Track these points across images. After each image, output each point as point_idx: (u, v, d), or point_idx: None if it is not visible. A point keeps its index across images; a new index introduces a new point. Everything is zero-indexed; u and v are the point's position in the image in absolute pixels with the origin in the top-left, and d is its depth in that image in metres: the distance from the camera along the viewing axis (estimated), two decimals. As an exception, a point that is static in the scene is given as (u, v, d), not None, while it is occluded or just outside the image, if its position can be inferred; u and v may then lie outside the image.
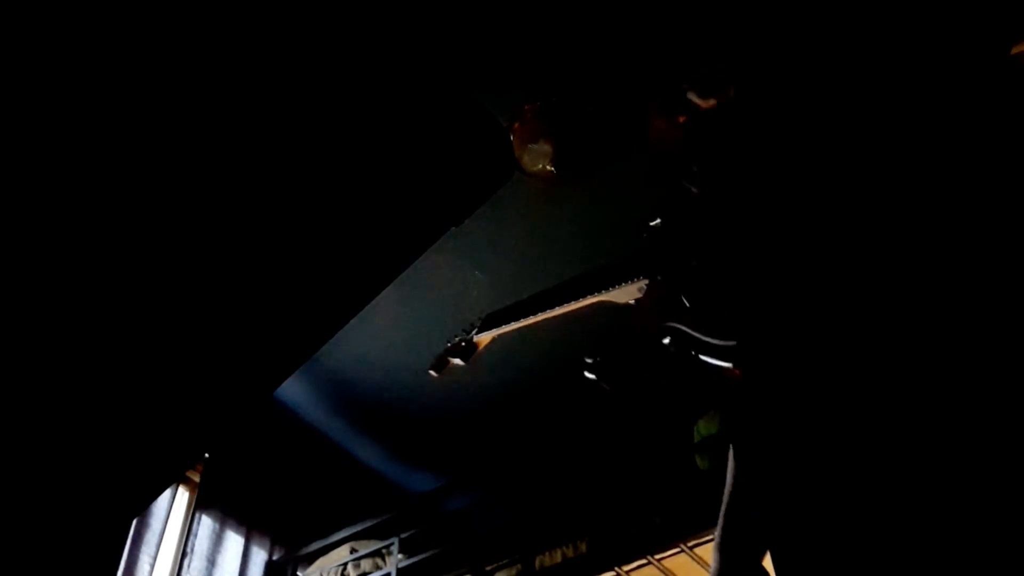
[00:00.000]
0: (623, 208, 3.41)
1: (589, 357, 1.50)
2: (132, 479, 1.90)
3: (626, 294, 1.49)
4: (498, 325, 1.78)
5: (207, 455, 4.84)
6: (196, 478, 4.93)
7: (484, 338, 1.82)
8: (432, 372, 1.90)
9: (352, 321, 2.41)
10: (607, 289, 1.53)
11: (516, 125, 1.96)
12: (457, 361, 1.83)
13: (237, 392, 2.06)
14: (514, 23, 2.89)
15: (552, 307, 1.67)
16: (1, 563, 1.57)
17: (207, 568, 4.78)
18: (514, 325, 1.73)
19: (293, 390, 4.82)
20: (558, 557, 4.04)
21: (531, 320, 1.69)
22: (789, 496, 1.05)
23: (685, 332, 1.19)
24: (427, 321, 4.35)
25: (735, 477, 1.20)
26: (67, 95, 1.59)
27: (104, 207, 1.66)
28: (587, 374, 1.53)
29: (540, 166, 1.98)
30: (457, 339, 1.87)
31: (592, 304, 1.60)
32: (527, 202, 3.68)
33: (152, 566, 4.40)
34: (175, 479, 4.42)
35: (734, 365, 1.11)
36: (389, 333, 4.44)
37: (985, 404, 0.99)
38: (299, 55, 1.81)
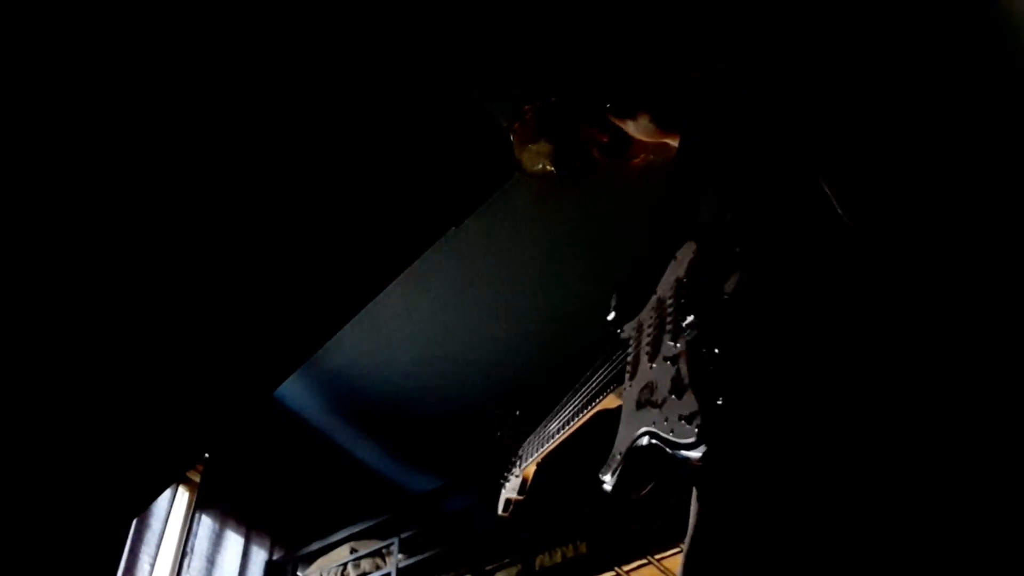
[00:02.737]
0: (623, 208, 3.41)
1: (499, 410, 1.54)
2: (132, 479, 1.90)
3: (616, 399, 1.51)
4: (531, 453, 1.87)
5: (207, 455, 4.85)
6: (196, 478, 4.93)
7: (529, 470, 1.92)
8: (502, 514, 1.98)
9: (352, 321, 2.42)
10: (600, 399, 1.56)
11: (516, 125, 1.96)
12: (518, 497, 1.93)
13: (237, 392, 2.06)
14: (514, 23, 2.89)
15: (566, 427, 1.73)
16: (2, 563, 1.58)
17: (207, 568, 4.78)
18: (544, 451, 1.81)
19: (293, 390, 4.82)
20: (558, 557, 4.04)
21: (555, 443, 1.77)
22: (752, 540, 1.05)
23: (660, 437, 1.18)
24: (427, 321, 4.35)
25: (697, 519, 1.19)
26: (68, 96, 1.59)
27: (105, 209, 1.67)
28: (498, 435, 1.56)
29: (540, 166, 1.97)
30: (508, 474, 1.96)
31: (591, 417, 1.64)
32: (527, 202, 3.68)
33: (152, 566, 4.40)
34: (175, 479, 4.42)
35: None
36: (389, 333, 4.44)
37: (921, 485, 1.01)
38: (301, 57, 1.81)
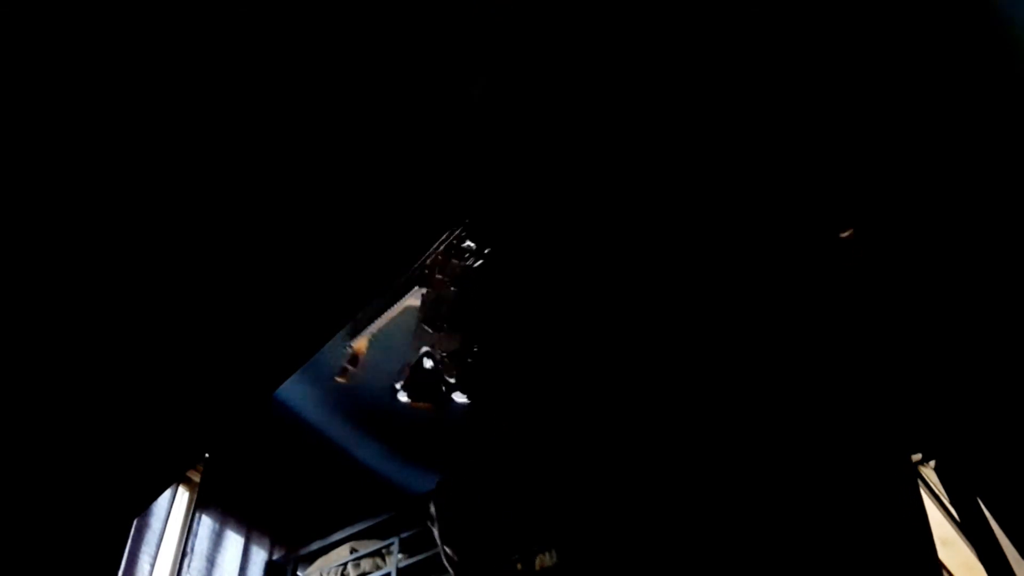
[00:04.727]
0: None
1: (396, 383, 1.60)
2: (132, 479, 1.90)
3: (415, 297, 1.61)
4: (358, 332, 1.94)
5: (207, 455, 4.85)
6: (196, 478, 4.93)
7: (361, 344, 1.96)
8: (339, 379, 2.03)
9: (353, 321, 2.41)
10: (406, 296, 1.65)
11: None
12: (352, 368, 1.97)
13: (237, 393, 2.07)
14: (515, 23, 2.89)
15: (384, 310, 1.82)
16: (3, 563, 1.58)
17: (207, 568, 4.78)
18: (374, 326, 1.89)
19: (293, 390, 4.82)
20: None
21: (382, 321, 1.86)
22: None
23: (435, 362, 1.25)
24: (427, 321, 4.35)
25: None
26: (68, 96, 1.59)
27: (105, 210, 1.67)
28: (401, 398, 1.62)
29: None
30: (348, 351, 2.02)
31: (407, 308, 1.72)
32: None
33: (152, 566, 4.40)
34: (175, 479, 4.42)
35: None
36: (389, 333, 4.44)
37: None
38: (299, 58, 1.81)
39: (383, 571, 4.68)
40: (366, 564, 4.81)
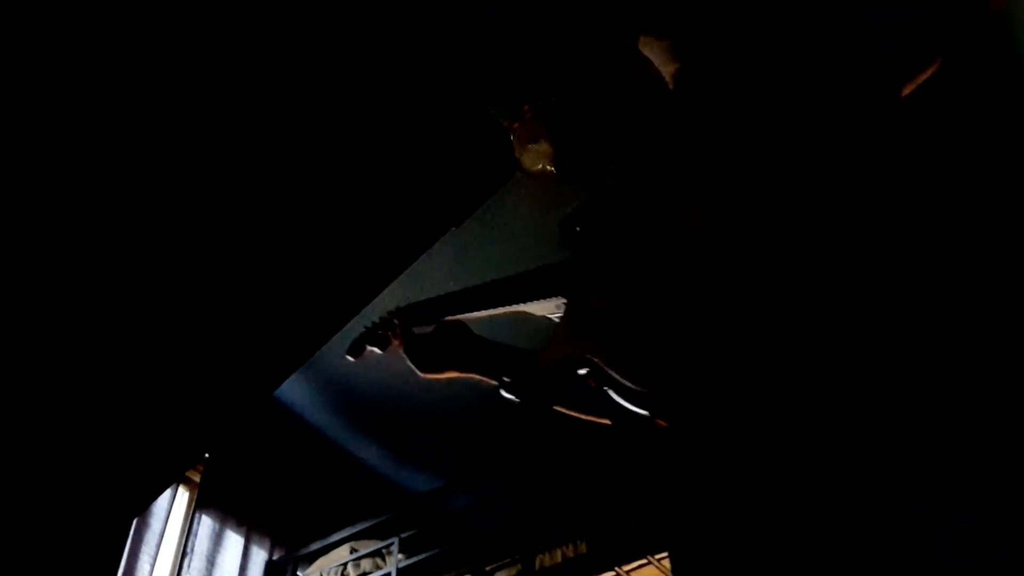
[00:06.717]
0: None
1: (506, 376, 1.46)
2: (132, 479, 1.90)
3: (542, 309, 1.46)
4: (411, 320, 1.77)
5: (207, 455, 4.85)
6: (196, 478, 4.93)
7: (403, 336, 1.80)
8: (349, 357, 1.89)
9: (352, 321, 2.41)
10: (522, 302, 1.51)
11: (516, 125, 1.96)
12: (374, 349, 1.82)
13: (237, 392, 2.06)
14: (515, 23, 2.89)
15: (468, 310, 1.66)
16: (3, 563, 1.58)
17: (207, 568, 4.78)
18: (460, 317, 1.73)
19: (293, 390, 4.82)
20: (558, 557, 4.03)
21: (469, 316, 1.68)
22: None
23: (603, 370, 1.15)
24: (427, 321, 4.34)
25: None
26: (69, 97, 1.59)
27: (105, 209, 1.66)
28: (505, 394, 1.49)
29: (540, 166, 1.98)
30: (373, 325, 1.85)
31: (510, 313, 1.58)
32: (527, 202, 3.68)
33: (152, 566, 4.40)
34: (175, 479, 4.42)
35: (651, 414, 1.08)
36: (389, 333, 4.43)
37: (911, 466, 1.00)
38: (300, 57, 1.81)
39: (383, 571, 4.68)
40: (366, 564, 4.81)
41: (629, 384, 1.10)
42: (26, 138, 1.55)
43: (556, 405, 1.31)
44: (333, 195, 1.96)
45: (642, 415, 1.09)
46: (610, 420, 1.21)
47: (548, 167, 1.98)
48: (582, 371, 1.19)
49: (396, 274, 2.31)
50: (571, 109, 1.89)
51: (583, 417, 1.30)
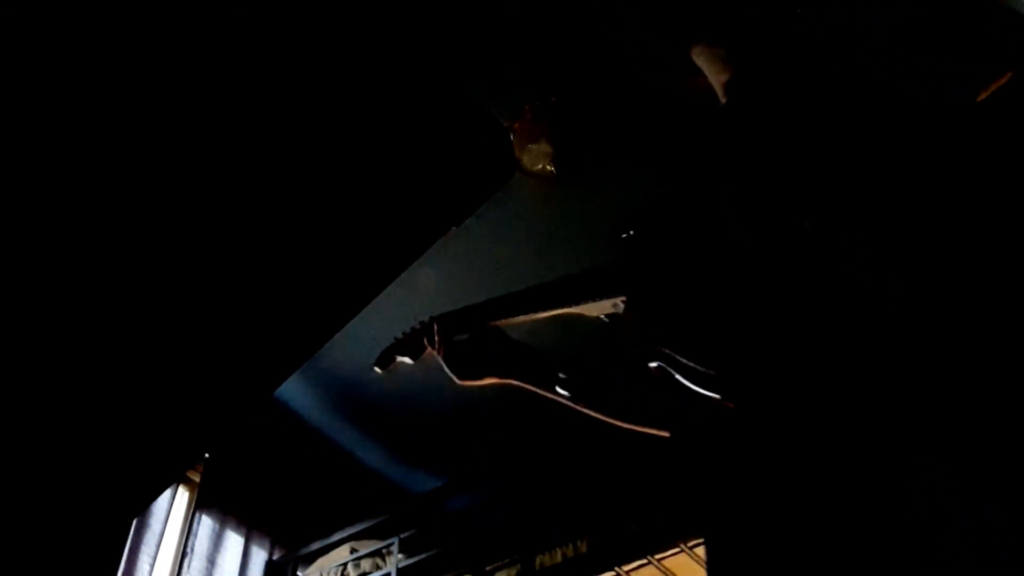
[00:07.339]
0: (624, 209, 3.41)
1: (563, 372, 1.44)
2: (132, 479, 1.90)
3: (597, 309, 1.45)
4: (451, 327, 1.75)
5: (207, 455, 4.85)
6: (196, 478, 4.93)
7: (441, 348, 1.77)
8: (377, 369, 1.85)
9: (352, 321, 2.42)
10: (577, 303, 1.50)
11: (516, 125, 1.96)
12: (405, 360, 1.79)
13: (237, 392, 2.06)
14: (515, 22, 2.89)
15: (514, 314, 1.64)
16: (2, 563, 1.58)
17: (207, 568, 4.78)
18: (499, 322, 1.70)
19: (293, 390, 4.82)
20: (558, 557, 4.03)
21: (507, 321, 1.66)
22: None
23: (674, 358, 1.16)
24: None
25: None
26: (69, 97, 1.59)
27: (105, 209, 1.67)
28: (560, 390, 1.46)
29: (540, 166, 1.98)
30: (405, 336, 1.83)
31: (560, 315, 1.56)
32: (527, 202, 3.68)
33: (152, 566, 4.40)
34: (175, 479, 4.42)
35: (722, 397, 1.10)
36: (389, 333, 4.43)
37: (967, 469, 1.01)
38: (300, 57, 1.81)
39: (383, 571, 4.68)
40: (366, 564, 4.81)
41: (701, 368, 1.11)
42: (26, 138, 1.56)
43: (609, 404, 1.31)
44: (333, 195, 1.96)
45: (713, 398, 1.10)
46: (668, 431, 1.22)
47: (548, 167, 1.98)
48: (653, 364, 1.20)
49: (397, 273, 2.31)
50: (571, 109, 1.89)
51: (633, 428, 1.30)
